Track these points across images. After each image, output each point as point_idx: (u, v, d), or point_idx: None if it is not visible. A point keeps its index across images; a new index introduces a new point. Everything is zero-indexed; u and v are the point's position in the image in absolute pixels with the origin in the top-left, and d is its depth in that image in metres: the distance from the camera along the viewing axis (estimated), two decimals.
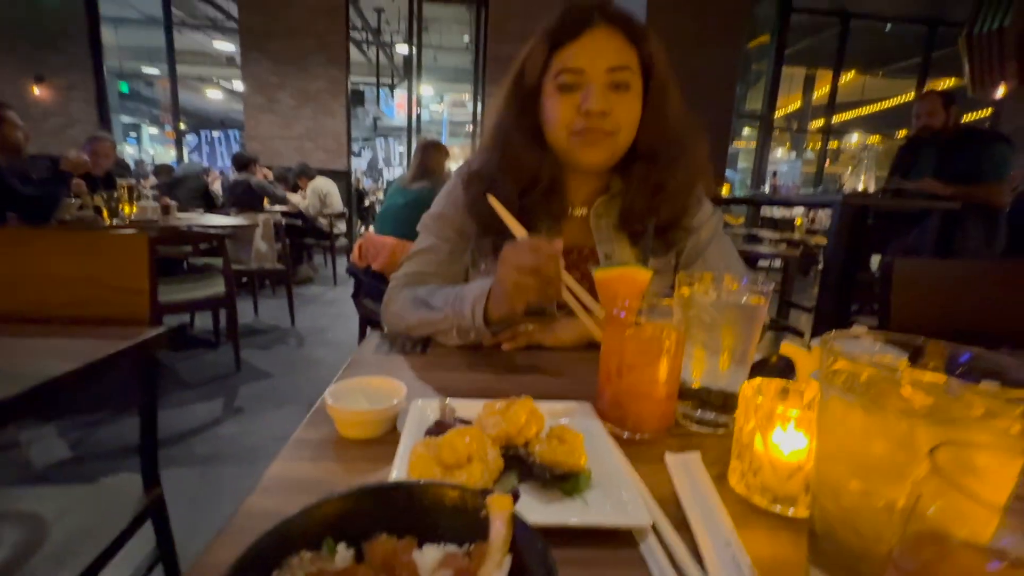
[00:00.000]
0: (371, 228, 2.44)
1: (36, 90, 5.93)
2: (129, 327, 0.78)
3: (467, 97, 9.82)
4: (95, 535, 0.76)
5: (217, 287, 2.43)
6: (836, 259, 2.12)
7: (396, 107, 12.16)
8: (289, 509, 0.21)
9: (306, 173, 4.94)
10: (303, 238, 4.79)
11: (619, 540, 0.34)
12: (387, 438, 0.46)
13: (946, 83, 7.12)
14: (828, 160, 8.35)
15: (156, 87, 12.48)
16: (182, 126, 7.86)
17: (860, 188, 3.20)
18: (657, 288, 0.78)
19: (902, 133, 8.26)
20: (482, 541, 0.22)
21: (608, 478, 0.39)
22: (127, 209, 2.59)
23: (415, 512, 0.23)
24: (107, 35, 7.14)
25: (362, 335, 2.42)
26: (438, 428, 0.44)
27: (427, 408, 0.48)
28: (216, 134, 14.45)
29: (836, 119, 7.75)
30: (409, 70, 6.75)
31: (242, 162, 4.30)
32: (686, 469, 0.43)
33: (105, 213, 2.48)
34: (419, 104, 6.83)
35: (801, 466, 0.37)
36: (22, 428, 1.81)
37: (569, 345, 0.74)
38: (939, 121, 2.70)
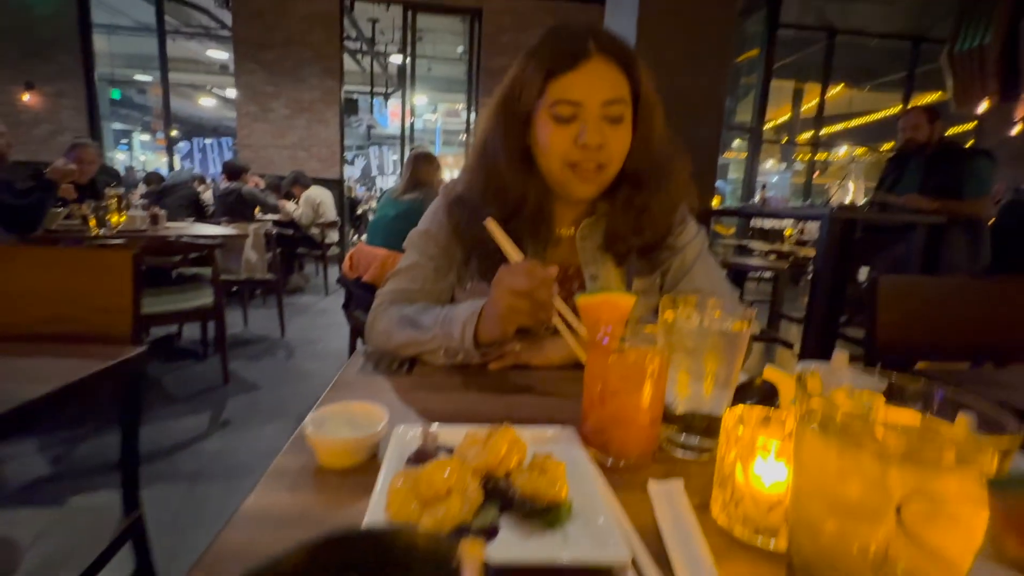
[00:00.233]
0: (363, 238, 2.43)
1: (26, 97, 5.89)
2: (110, 345, 0.77)
3: (461, 107, 9.89)
4: (71, 560, 0.74)
5: (205, 298, 2.41)
6: (825, 272, 2.14)
7: (390, 116, 12.19)
8: (263, 545, 0.21)
9: (300, 181, 4.92)
10: (295, 247, 4.77)
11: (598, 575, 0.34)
12: (368, 466, 0.45)
13: (930, 97, 7.28)
14: (816, 171, 8.48)
15: (148, 94, 12.42)
16: (174, 133, 7.82)
17: (848, 200, 3.26)
18: (642, 309, 0.79)
19: (888, 145, 8.42)
20: None
21: (589, 509, 0.39)
22: (115, 219, 2.56)
23: (385, 561, 0.23)
24: (99, 42, 7.12)
25: (353, 346, 2.40)
26: (419, 457, 0.44)
27: (409, 434, 0.48)
28: (208, 141, 14.39)
29: (824, 131, 7.88)
30: (403, 80, 6.78)
31: (233, 171, 4.28)
32: (668, 499, 0.42)
33: (92, 223, 2.46)
34: (412, 113, 6.86)
35: (782, 499, 0.37)
36: None
37: (556, 365, 0.74)
38: (924, 135, 2.75)
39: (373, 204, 9.21)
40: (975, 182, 2.58)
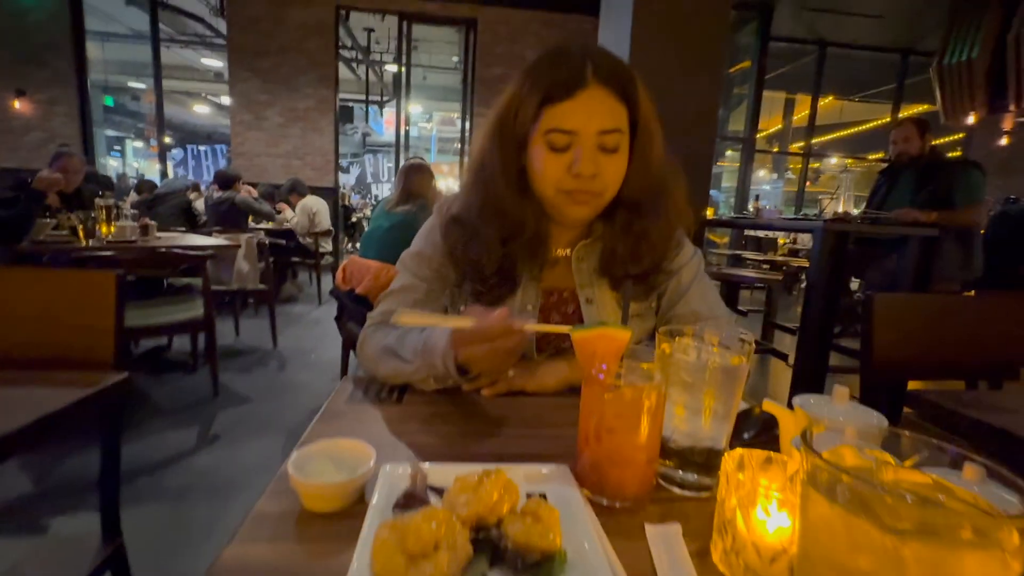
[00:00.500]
0: (357, 247, 2.42)
1: (17, 104, 5.84)
2: (91, 371, 0.75)
3: (456, 116, 9.92)
4: None
5: (196, 310, 2.38)
6: (819, 284, 2.15)
7: (385, 124, 12.21)
8: None
9: (298, 189, 4.88)
10: (288, 257, 4.73)
11: None
12: (354, 510, 0.43)
13: (919, 109, 7.38)
14: (808, 181, 8.56)
15: (142, 101, 12.38)
16: (168, 140, 7.79)
17: (840, 210, 3.27)
18: (638, 332, 0.77)
19: (877, 155, 8.52)
20: None
21: (584, 559, 0.37)
22: (104, 229, 2.53)
23: None
24: (93, 49, 7.10)
25: (345, 359, 2.38)
26: (407, 501, 0.42)
27: (397, 474, 0.46)
28: (203, 148, 14.34)
29: (815, 141, 7.97)
30: (398, 88, 6.80)
31: (225, 180, 4.25)
32: (666, 544, 0.41)
33: (81, 233, 2.42)
34: (408, 122, 6.87)
35: (786, 549, 0.36)
36: None
37: (551, 390, 0.72)
38: (915, 148, 2.78)
39: (368, 212, 9.20)
40: (967, 191, 2.61)
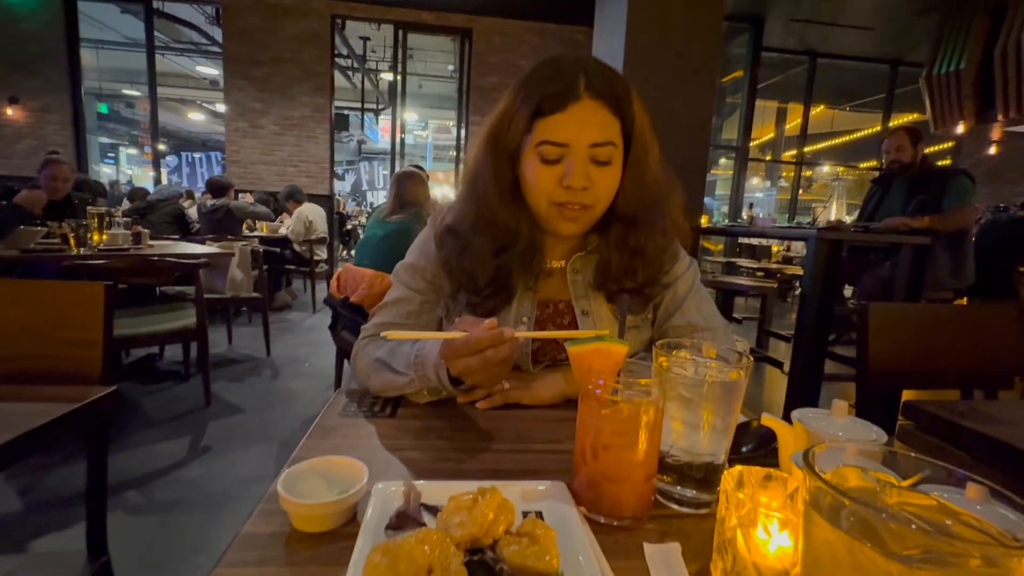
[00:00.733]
0: (352, 253, 2.41)
1: (9, 111, 5.81)
2: (78, 385, 0.73)
3: (451, 124, 9.95)
4: None
5: (188, 318, 2.35)
6: (813, 292, 2.15)
7: (381, 132, 12.25)
8: None
9: (295, 197, 4.86)
10: (282, 264, 4.71)
11: None
12: (346, 531, 0.42)
13: (909, 118, 7.49)
14: (801, 189, 8.64)
15: (136, 108, 12.35)
16: (162, 147, 7.76)
17: (832, 218, 3.31)
18: (635, 344, 0.77)
19: (868, 164, 8.62)
20: None
21: None
22: (96, 237, 2.51)
23: None
24: (88, 57, 7.09)
25: (339, 367, 2.35)
26: (400, 521, 0.41)
27: (389, 492, 0.45)
28: (197, 155, 14.31)
29: (808, 149, 8.05)
30: (394, 96, 6.82)
31: (218, 187, 4.24)
32: (666, 564, 0.40)
33: (72, 241, 2.40)
34: (403, 129, 6.88)
35: (787, 570, 0.35)
36: None
37: (547, 402, 0.71)
38: (907, 156, 2.81)
39: (363, 219, 9.18)
40: (956, 195, 2.64)
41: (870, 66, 7.15)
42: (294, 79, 6.20)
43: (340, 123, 8.06)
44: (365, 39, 8.33)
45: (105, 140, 12.75)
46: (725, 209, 7.78)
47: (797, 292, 5.89)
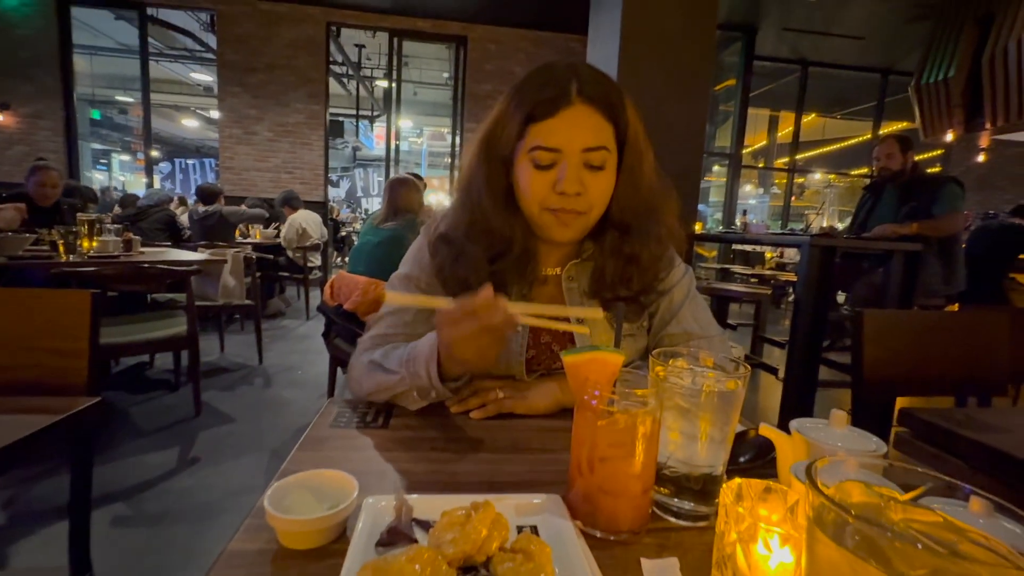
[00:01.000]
0: (345, 259, 2.39)
1: (0, 117, 5.76)
2: (62, 397, 0.71)
3: (446, 131, 9.97)
4: None
5: (179, 326, 2.32)
6: (807, 299, 2.16)
7: (375, 138, 12.26)
8: None
9: (291, 203, 4.84)
10: (275, 271, 4.68)
11: None
12: (335, 547, 0.41)
13: (899, 126, 7.59)
14: (793, 196, 8.72)
15: (129, 114, 12.30)
16: (155, 153, 7.72)
17: (825, 225, 3.33)
18: (630, 352, 0.76)
19: (860, 171, 8.72)
20: None
21: None
22: (86, 244, 2.48)
23: None
24: (81, 63, 7.07)
25: (332, 375, 2.33)
26: (390, 537, 0.40)
27: (380, 507, 0.44)
28: (191, 161, 14.26)
29: (800, 156, 8.13)
30: (389, 103, 6.83)
31: (209, 194, 4.22)
32: None
33: (62, 248, 2.37)
34: (398, 136, 6.89)
35: None
36: None
37: (542, 412, 0.70)
38: (897, 164, 2.84)
39: (357, 226, 9.16)
40: (945, 201, 2.67)
41: (861, 75, 7.26)
42: (289, 86, 6.20)
43: (335, 130, 8.07)
44: (360, 46, 8.36)
45: (98, 146, 12.68)
46: (719, 216, 7.83)
47: (791, 298, 5.93)
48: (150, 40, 6.54)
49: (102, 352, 2.07)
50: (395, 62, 6.58)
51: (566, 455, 0.49)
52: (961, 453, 0.69)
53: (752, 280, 4.73)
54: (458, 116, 6.75)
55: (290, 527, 0.40)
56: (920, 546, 0.21)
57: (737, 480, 0.39)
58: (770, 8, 5.69)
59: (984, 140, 7.08)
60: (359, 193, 15.65)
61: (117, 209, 5.06)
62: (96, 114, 11.46)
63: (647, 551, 0.43)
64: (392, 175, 6.12)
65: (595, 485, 0.44)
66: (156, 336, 2.24)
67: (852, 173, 9.45)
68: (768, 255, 6.92)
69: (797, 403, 2.15)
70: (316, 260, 4.92)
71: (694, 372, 0.49)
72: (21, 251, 2.33)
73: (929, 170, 5.78)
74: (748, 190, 12.85)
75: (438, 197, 9.71)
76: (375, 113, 11.33)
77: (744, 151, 7.16)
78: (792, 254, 6.20)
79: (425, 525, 0.42)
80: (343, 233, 8.17)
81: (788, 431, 0.50)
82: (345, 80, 9.39)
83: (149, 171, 6.99)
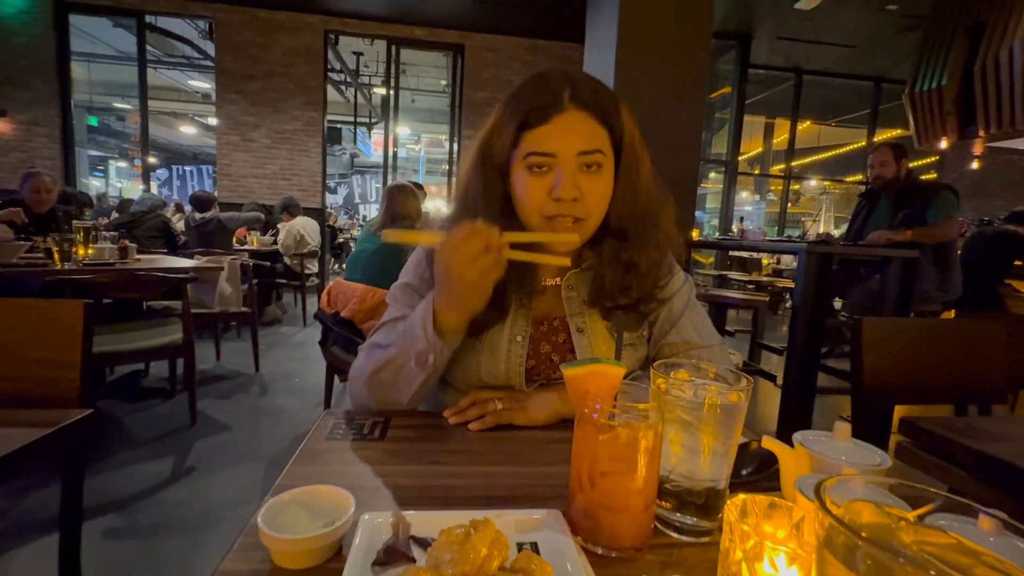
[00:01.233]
0: (343, 266, 2.38)
1: None
2: (54, 409, 0.70)
3: (444, 138, 9.99)
4: None
5: (175, 334, 2.31)
6: (805, 305, 2.16)
7: (373, 145, 12.28)
8: None
9: (290, 210, 4.83)
10: (272, 278, 4.66)
11: None
12: (330, 567, 0.40)
13: (893, 133, 7.66)
14: (789, 203, 8.77)
15: (127, 121, 12.30)
16: (153, 160, 7.70)
17: (821, 231, 3.34)
18: (631, 363, 0.75)
19: (854, 177, 8.78)
20: None
21: None
22: (81, 252, 2.46)
23: None
24: (79, 70, 7.07)
25: (329, 383, 2.31)
26: (388, 556, 0.39)
27: (377, 524, 0.43)
28: (188, 168, 14.25)
29: (795, 163, 8.19)
30: (387, 111, 6.85)
31: (204, 202, 4.22)
32: None
33: (56, 256, 2.35)
34: (396, 143, 6.90)
35: None
36: None
37: (541, 423, 0.69)
38: (890, 172, 2.85)
39: (355, 233, 9.15)
40: (939, 208, 2.68)
41: (854, 83, 7.33)
42: (287, 93, 6.21)
43: (332, 137, 8.08)
44: (358, 54, 8.40)
45: (95, 153, 12.66)
46: (715, 222, 7.86)
47: (788, 304, 5.94)
48: (148, 48, 6.55)
49: (97, 360, 2.05)
50: (393, 70, 6.61)
51: (565, 468, 0.48)
52: (963, 463, 0.68)
53: (749, 287, 4.74)
54: (455, 123, 6.77)
55: (284, 546, 0.39)
56: (934, 573, 0.21)
57: (741, 496, 0.38)
58: (764, 17, 5.75)
59: (978, 147, 7.14)
60: (357, 200, 15.67)
61: (115, 214, 5.05)
62: (94, 121, 11.45)
63: (649, 568, 0.42)
64: (390, 182, 6.14)
65: (596, 501, 0.43)
66: (152, 344, 2.22)
67: (847, 180, 9.52)
68: (765, 261, 6.95)
69: (796, 410, 2.14)
70: (313, 267, 4.90)
71: (696, 384, 0.49)
72: (15, 258, 2.32)
73: (924, 177, 5.83)
74: (744, 197, 12.92)
75: (436, 204, 9.72)
76: (373, 120, 11.36)
77: (740, 158, 7.20)
78: (789, 260, 6.22)
79: (423, 543, 0.41)
80: (340, 240, 8.16)
81: (790, 442, 0.50)
82: (343, 87, 9.42)
83: (146, 177, 6.97)
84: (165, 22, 6.91)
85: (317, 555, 0.40)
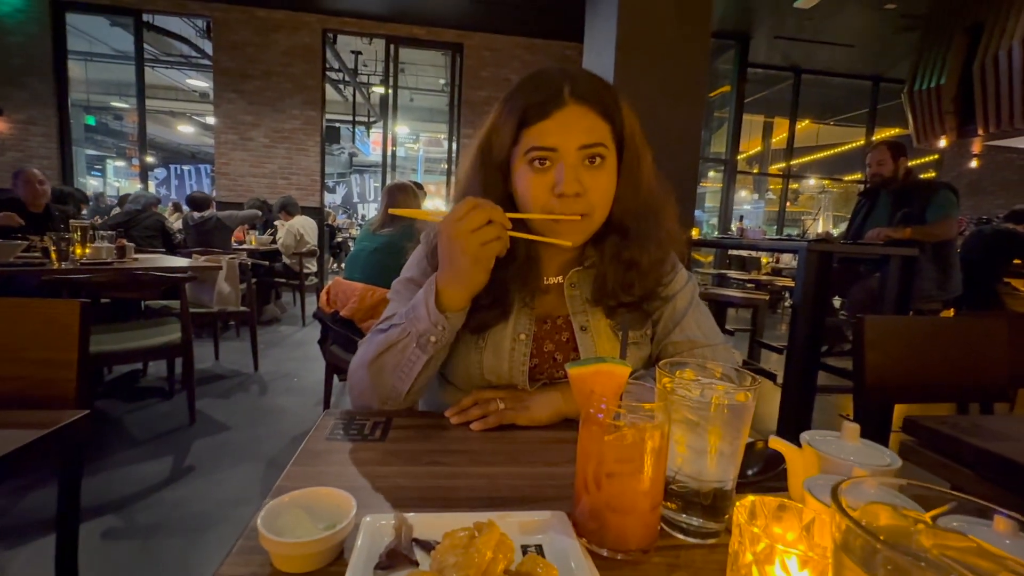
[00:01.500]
0: (341, 265, 2.37)
1: None
2: (50, 410, 0.69)
3: (443, 137, 9.98)
4: None
5: (173, 334, 2.29)
6: (805, 304, 2.16)
7: (372, 144, 12.26)
8: None
9: (288, 209, 4.82)
10: (271, 278, 4.65)
11: None
12: (332, 570, 0.39)
13: (892, 132, 7.66)
14: (788, 201, 8.77)
15: (125, 120, 12.26)
16: (151, 159, 7.67)
17: (820, 230, 3.35)
18: (635, 362, 0.75)
19: (853, 176, 8.80)
20: None
21: None
22: (79, 251, 2.45)
23: None
24: (76, 69, 7.04)
25: (328, 383, 2.30)
26: (390, 559, 0.38)
27: (379, 526, 0.42)
28: (187, 167, 14.22)
29: (794, 162, 8.19)
30: (385, 110, 6.83)
31: (200, 202, 4.21)
32: None
33: (54, 255, 2.34)
34: (394, 142, 6.89)
35: None
36: None
37: (544, 423, 0.69)
38: (889, 171, 2.85)
39: (354, 232, 9.14)
40: (938, 207, 2.68)
41: (853, 82, 7.33)
42: (285, 92, 6.20)
43: (331, 136, 8.05)
44: (357, 53, 8.37)
45: (92, 152, 12.61)
46: (715, 221, 7.86)
47: (787, 303, 5.94)
48: (146, 46, 6.52)
49: (94, 360, 2.04)
50: (391, 69, 6.59)
51: (569, 468, 0.47)
52: (968, 462, 0.68)
53: (748, 285, 4.73)
54: (454, 122, 6.76)
55: (284, 550, 0.38)
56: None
57: (750, 497, 0.38)
58: (763, 16, 5.75)
59: (976, 146, 7.15)
60: (355, 199, 15.64)
61: (116, 210, 5.04)
62: (91, 120, 11.42)
63: (656, 571, 0.41)
64: (389, 181, 6.12)
65: (602, 502, 0.43)
66: (150, 344, 2.21)
67: (846, 179, 9.53)
68: (764, 260, 6.95)
69: (796, 409, 2.14)
70: (312, 266, 4.89)
71: (702, 384, 0.48)
72: (12, 258, 2.30)
73: (923, 176, 5.84)
74: (743, 196, 12.93)
75: (435, 203, 9.71)
76: (371, 119, 11.34)
77: (739, 157, 7.20)
78: (788, 259, 6.22)
79: (426, 545, 0.40)
80: (339, 239, 8.14)
81: (795, 440, 0.49)
82: (341, 86, 9.39)
83: (144, 177, 6.94)
84: (163, 21, 6.89)
85: (318, 559, 0.39)
